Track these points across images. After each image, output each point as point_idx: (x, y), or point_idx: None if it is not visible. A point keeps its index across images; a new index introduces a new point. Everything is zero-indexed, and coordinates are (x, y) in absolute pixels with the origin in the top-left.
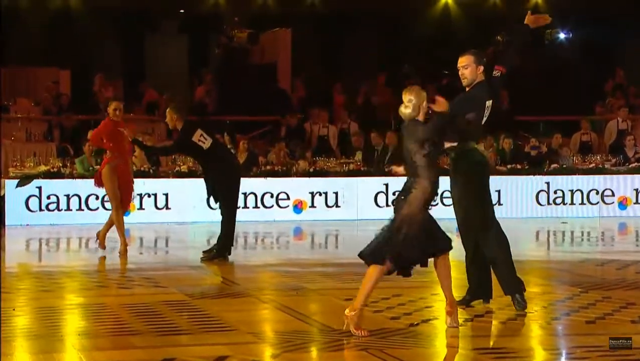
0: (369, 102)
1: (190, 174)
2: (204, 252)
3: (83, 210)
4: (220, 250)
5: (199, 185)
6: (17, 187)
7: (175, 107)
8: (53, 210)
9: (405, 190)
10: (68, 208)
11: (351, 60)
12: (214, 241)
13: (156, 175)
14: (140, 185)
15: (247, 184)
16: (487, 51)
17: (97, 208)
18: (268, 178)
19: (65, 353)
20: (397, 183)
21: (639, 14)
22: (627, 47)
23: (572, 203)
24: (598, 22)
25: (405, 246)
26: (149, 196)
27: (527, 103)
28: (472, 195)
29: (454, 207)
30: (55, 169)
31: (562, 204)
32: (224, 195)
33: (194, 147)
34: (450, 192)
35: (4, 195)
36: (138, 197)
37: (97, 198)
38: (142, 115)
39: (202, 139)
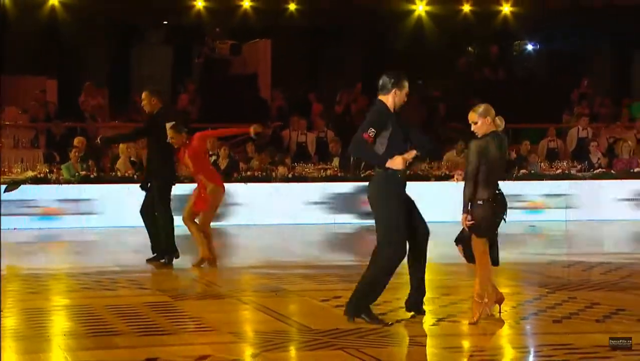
0: (347, 110)
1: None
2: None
3: (69, 214)
4: (164, 253)
5: (184, 189)
6: (4, 192)
7: (154, 90)
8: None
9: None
10: (54, 213)
11: (329, 70)
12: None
13: (141, 180)
14: (125, 190)
15: (229, 189)
16: (460, 61)
17: (83, 213)
18: (248, 184)
19: (51, 353)
20: None
21: (603, 27)
22: (591, 58)
23: (539, 207)
24: (564, 35)
25: None
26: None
27: (497, 111)
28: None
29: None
30: (42, 175)
31: (530, 208)
32: (167, 195)
33: (162, 132)
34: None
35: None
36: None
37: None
38: (127, 122)
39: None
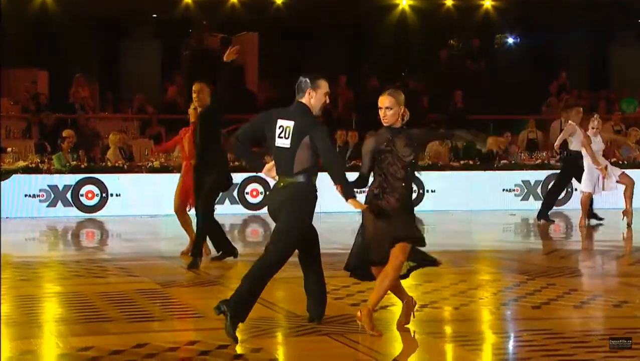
0: (331, 101)
1: (161, 170)
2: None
3: (60, 203)
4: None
5: (170, 179)
6: None
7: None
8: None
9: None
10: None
11: (314, 62)
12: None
13: (131, 170)
14: (115, 180)
15: None
16: (441, 54)
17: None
18: (237, 174)
19: (43, 339)
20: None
21: (581, 21)
22: (570, 51)
23: (519, 196)
24: (544, 29)
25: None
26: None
27: (478, 103)
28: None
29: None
30: (33, 165)
31: (511, 198)
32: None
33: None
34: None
35: None
36: (114, 194)
37: (72, 192)
38: (116, 113)
39: None
